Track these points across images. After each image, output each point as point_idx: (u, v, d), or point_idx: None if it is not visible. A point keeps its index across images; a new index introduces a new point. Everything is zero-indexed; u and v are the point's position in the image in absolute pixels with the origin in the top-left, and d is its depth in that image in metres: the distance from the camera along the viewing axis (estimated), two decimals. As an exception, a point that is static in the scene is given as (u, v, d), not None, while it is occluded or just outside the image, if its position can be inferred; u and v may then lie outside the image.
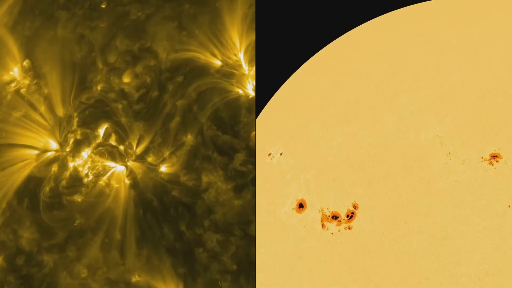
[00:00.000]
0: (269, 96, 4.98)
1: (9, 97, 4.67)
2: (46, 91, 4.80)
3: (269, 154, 4.89)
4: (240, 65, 5.16)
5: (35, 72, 4.79)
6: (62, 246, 4.86)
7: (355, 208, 4.74)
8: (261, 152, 4.91)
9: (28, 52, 4.79)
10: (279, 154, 4.88)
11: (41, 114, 4.82)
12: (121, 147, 5.03)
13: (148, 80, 5.06)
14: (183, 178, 5.03)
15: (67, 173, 4.94)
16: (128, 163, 5.05)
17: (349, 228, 4.75)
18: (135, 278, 4.96)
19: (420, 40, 5.20)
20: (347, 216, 4.74)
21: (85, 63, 4.93)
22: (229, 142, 5.07)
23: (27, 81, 4.76)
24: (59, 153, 4.94)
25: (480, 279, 4.49)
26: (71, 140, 4.93)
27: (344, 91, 5.05)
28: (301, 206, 4.79)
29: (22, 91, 4.78)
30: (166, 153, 5.06)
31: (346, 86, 5.07)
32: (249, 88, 5.07)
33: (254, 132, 4.89)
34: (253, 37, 5.08)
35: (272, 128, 4.94)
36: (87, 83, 4.94)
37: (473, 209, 4.52)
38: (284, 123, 4.97)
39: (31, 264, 4.79)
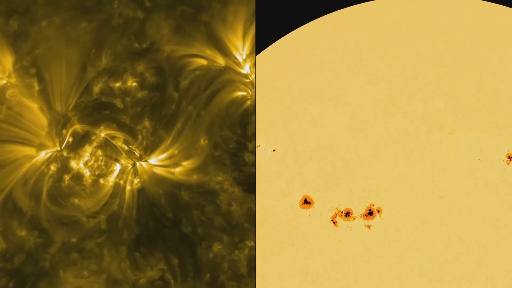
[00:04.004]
0: (268, 95, 4.96)
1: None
2: (38, 88, 4.96)
3: (258, 146, 4.83)
4: (245, 65, 5.18)
5: (25, 70, 4.97)
6: (63, 246, 4.91)
7: (376, 209, 4.59)
8: (261, 150, 4.84)
9: (16, 49, 4.98)
10: (272, 150, 4.81)
11: (35, 112, 4.96)
12: (126, 147, 5.09)
13: (153, 80, 5.15)
14: (191, 179, 5.02)
15: (69, 173, 5.03)
16: (135, 164, 5.10)
17: (368, 228, 4.59)
18: (141, 279, 4.94)
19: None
20: (369, 211, 4.58)
21: (84, 61, 5.07)
22: (238, 142, 5.05)
23: (13, 79, 4.94)
24: (59, 152, 5.06)
25: (503, 275, 4.43)
26: (71, 139, 5.04)
27: (348, 81, 4.95)
28: (307, 202, 4.66)
29: (12, 90, 4.96)
30: (174, 154, 5.08)
31: (352, 77, 4.97)
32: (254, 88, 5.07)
33: (255, 131, 4.85)
34: (254, 36, 5.11)
35: (272, 125, 4.89)
36: (87, 82, 5.06)
37: (493, 211, 4.51)
38: (282, 119, 4.91)
39: (30, 264, 4.87)
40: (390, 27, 4.95)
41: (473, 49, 4.85)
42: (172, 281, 4.92)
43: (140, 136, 5.07)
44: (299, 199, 4.67)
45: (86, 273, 4.86)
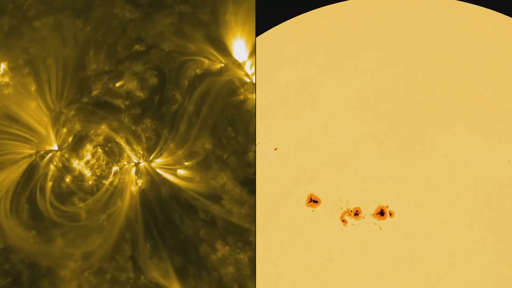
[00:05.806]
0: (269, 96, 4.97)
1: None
2: (33, 88, 5.03)
3: (258, 143, 4.79)
4: (245, 66, 5.19)
5: (19, 70, 5.05)
6: (64, 245, 4.94)
7: (389, 212, 4.52)
8: (262, 149, 4.80)
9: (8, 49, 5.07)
10: (273, 149, 4.78)
11: (34, 111, 5.02)
12: (127, 147, 5.12)
13: (153, 80, 5.18)
14: (195, 180, 5.02)
15: (70, 173, 5.07)
16: (138, 164, 5.11)
17: (380, 228, 4.49)
18: (143, 279, 4.95)
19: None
20: (381, 211, 4.50)
21: (84, 61, 5.14)
22: (240, 142, 5.04)
23: (7, 79, 5.01)
24: (59, 152, 5.10)
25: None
26: (71, 139, 5.09)
27: (350, 80, 4.91)
28: (313, 201, 4.58)
29: (10, 89, 5.03)
30: (176, 154, 5.08)
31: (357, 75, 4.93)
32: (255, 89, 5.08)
33: (255, 130, 4.84)
34: (254, 37, 5.14)
35: (273, 124, 4.87)
36: (87, 81, 5.13)
37: (502, 211, 4.48)
38: (283, 118, 4.88)
39: (29, 263, 4.91)
40: (389, 25, 4.97)
41: (473, 50, 4.85)
42: (174, 281, 4.90)
43: (142, 136, 5.09)
44: (304, 197, 4.59)
45: (86, 273, 4.87)
